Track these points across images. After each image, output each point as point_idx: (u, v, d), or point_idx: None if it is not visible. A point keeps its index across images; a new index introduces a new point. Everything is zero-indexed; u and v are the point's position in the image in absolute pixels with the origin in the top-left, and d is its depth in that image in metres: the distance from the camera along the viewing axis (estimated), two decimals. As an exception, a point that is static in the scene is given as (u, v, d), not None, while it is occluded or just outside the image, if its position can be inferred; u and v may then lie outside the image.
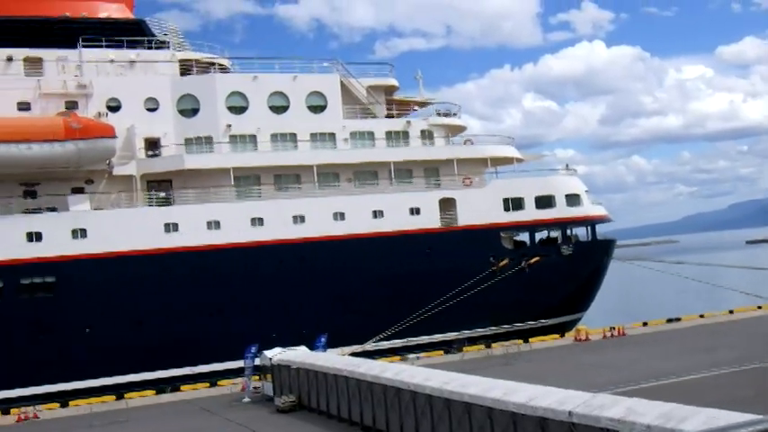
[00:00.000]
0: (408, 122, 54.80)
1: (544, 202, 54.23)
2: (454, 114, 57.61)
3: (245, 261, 46.13)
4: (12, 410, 38.91)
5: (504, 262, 51.38)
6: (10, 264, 42.01)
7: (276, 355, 37.36)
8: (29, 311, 42.11)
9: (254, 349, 39.58)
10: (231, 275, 45.66)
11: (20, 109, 46.06)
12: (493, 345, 47.63)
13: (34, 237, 42.83)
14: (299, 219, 48.10)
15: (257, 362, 39.22)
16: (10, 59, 47.09)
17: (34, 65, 47.65)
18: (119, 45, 49.37)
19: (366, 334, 46.00)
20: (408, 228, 50.43)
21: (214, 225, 46.22)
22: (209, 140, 49.31)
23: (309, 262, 47.49)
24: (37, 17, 49.03)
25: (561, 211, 54.60)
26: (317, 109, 52.37)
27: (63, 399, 41.17)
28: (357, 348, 44.78)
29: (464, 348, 47.30)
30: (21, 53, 47.37)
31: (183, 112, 49.42)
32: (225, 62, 53.52)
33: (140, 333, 43.81)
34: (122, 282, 43.66)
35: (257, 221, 47.17)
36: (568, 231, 55.23)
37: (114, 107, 47.94)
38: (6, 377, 41.31)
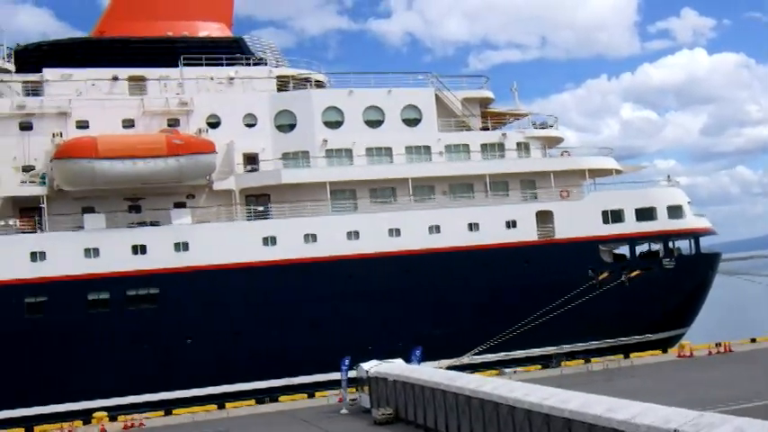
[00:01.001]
0: (504, 135, 54.38)
1: (645, 214, 52.94)
2: (551, 126, 56.93)
3: (341, 274, 46.43)
4: (119, 418, 40.13)
5: (604, 275, 50.33)
6: (117, 276, 43.39)
7: (373, 367, 37.45)
8: (134, 322, 43.37)
9: (347, 361, 39.77)
10: (327, 288, 46.02)
11: (125, 126, 47.66)
12: (593, 360, 46.72)
13: (139, 250, 44.14)
14: (395, 232, 48.19)
15: (353, 374, 39.39)
16: (115, 79, 48.84)
17: (138, 84, 49.31)
18: (218, 63, 50.63)
19: (462, 347, 45.68)
20: (504, 241, 49.91)
21: (311, 238, 46.73)
22: (305, 155, 49.98)
23: (405, 275, 47.46)
24: (140, 38, 50.81)
25: (663, 223, 53.19)
26: (413, 122, 52.50)
27: (166, 407, 42.24)
28: (453, 362, 44.53)
29: (563, 363, 46.52)
30: (125, 72, 49.10)
31: (280, 128, 50.26)
32: (321, 78, 54.27)
33: (240, 344, 44.56)
34: (222, 294, 44.53)
35: (353, 235, 47.45)
36: (670, 244, 53.75)
37: (214, 123, 49.12)
38: (113, 385, 42.60)
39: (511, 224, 50.36)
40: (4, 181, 45.28)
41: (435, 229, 48.93)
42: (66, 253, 42.99)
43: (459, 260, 48.59)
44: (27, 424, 40.64)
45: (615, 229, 52.19)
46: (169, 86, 49.62)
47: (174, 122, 48.44)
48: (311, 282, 45.87)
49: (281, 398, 43.53)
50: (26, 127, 46.29)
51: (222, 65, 50.84)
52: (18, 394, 41.60)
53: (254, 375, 44.51)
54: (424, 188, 51.14)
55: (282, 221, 47.11)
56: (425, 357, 42.35)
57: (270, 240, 46.12)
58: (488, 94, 56.51)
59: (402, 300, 47.29)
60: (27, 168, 45.88)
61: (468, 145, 53.21)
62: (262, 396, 43.87)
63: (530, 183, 53.37)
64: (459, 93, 55.14)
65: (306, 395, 43.72)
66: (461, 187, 52.10)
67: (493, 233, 49.70)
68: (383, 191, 50.65)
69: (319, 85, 53.69)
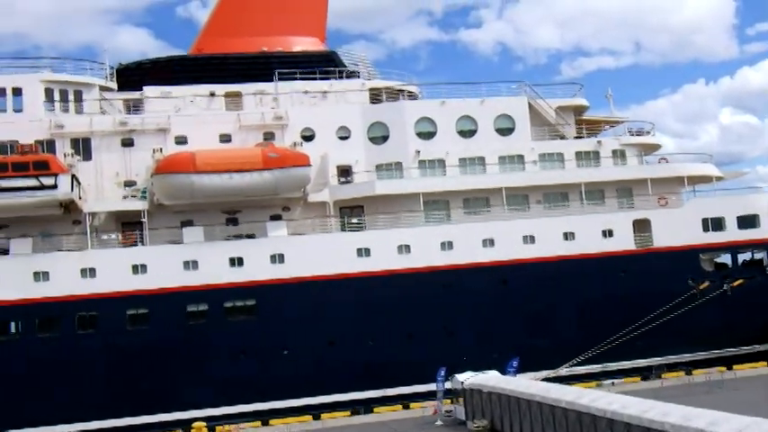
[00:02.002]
0: (599, 142, 53.50)
1: (747, 221, 51.20)
2: (647, 133, 55.75)
3: (436, 284, 46.35)
4: (217, 428, 40.92)
5: (705, 285, 48.81)
6: (215, 288, 44.35)
7: (468, 378, 37.25)
8: (231, 333, 44.22)
9: (443, 372, 39.64)
10: (422, 299, 46.00)
11: (222, 141, 48.80)
12: (694, 371, 45.35)
13: (236, 262, 45.03)
14: (489, 242, 47.87)
15: (448, 385, 39.21)
16: (212, 95, 50.22)
17: (234, 99, 50.53)
18: (312, 76, 51.39)
19: (559, 359, 44.97)
20: (601, 250, 49.00)
21: (404, 249, 46.83)
22: (398, 166, 50.22)
23: (500, 285, 47.10)
24: (237, 54, 52.11)
25: (767, 231, 51.27)
26: (506, 131, 52.16)
27: (263, 418, 42.87)
28: (549, 373, 43.87)
29: (663, 375, 45.31)
30: (222, 89, 50.42)
31: (373, 140, 50.65)
32: (413, 89, 54.53)
33: (335, 355, 44.90)
34: (317, 305, 44.99)
35: (447, 245, 47.33)
36: (775, 252, 51.74)
37: (308, 136, 49.84)
38: (211, 396, 43.50)
39: (607, 233, 49.41)
40: (107, 196, 47.01)
41: (530, 238, 48.40)
42: (165, 266, 44.20)
43: (554, 270, 47.90)
44: (128, 434, 41.85)
45: (716, 238, 50.61)
46: (264, 101, 50.67)
47: (269, 136, 49.35)
48: (405, 292, 45.89)
49: (376, 409, 43.65)
50: (128, 143, 47.96)
51: (316, 78, 51.60)
52: (118, 404, 42.87)
53: (350, 386, 44.75)
54: (518, 197, 50.66)
55: (376, 233, 47.36)
56: (521, 369, 41.88)
57: (364, 251, 46.41)
58: (583, 101, 55.77)
59: (497, 310, 46.91)
60: (129, 183, 47.56)
61: (562, 153, 52.53)
62: (357, 407, 44.10)
63: (626, 191, 52.25)
64: (552, 101, 54.56)
65: (401, 406, 43.73)
66: (556, 196, 51.41)
67: (589, 242, 48.86)
68: (477, 201, 50.38)
69: (412, 96, 53.94)
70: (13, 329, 43.38)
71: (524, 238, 48.35)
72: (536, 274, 47.66)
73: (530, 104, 53.19)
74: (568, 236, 48.86)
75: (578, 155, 52.68)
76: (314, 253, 45.73)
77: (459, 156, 50.90)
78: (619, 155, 53.41)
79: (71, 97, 48.59)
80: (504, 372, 40.37)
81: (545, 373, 43.84)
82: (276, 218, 48.01)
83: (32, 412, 42.03)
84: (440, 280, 46.43)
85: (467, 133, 51.65)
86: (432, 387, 40.84)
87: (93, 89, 49.28)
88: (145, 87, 49.80)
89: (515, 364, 41.43)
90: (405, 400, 44.58)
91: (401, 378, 45.01)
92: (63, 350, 42.71)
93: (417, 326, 45.84)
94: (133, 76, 51.34)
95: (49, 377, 42.39)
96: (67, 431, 42.23)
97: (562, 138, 53.84)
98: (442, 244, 47.32)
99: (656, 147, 55.87)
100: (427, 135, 50.97)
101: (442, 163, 50.74)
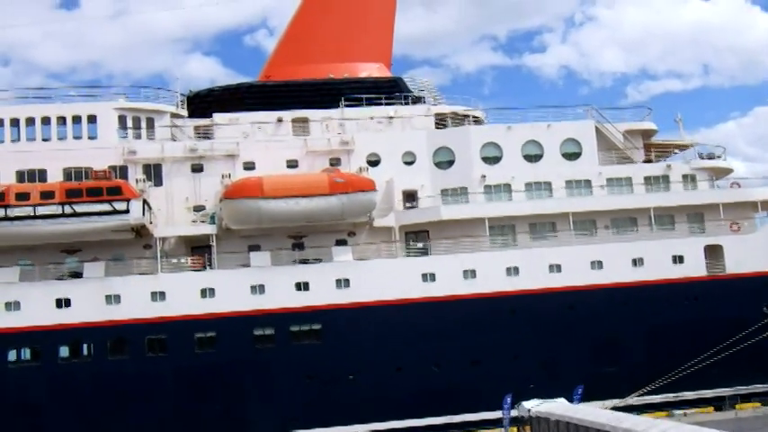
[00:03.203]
0: (669, 166, 52.66)
1: None
2: (718, 156, 54.64)
3: (502, 310, 45.94)
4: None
5: (780, 313, 47.40)
6: (281, 312, 44.70)
7: (535, 406, 36.80)
8: (297, 357, 44.44)
9: (509, 400, 39.22)
10: (487, 324, 45.62)
11: (289, 166, 49.43)
12: (770, 403, 44.04)
13: (302, 286, 45.32)
14: (556, 267, 47.33)
15: (514, 413, 38.78)
16: (280, 121, 50.86)
17: (301, 125, 51.12)
18: (378, 102, 51.77)
19: (627, 387, 44.04)
20: (671, 276, 48.07)
21: (470, 274, 46.56)
22: (464, 191, 50.10)
23: (567, 311, 46.46)
24: (304, 81, 52.83)
25: None
26: (572, 156, 51.73)
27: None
28: (617, 402, 43.00)
29: (737, 406, 44.08)
30: (289, 114, 51.10)
31: (438, 165, 50.70)
32: (479, 114, 54.48)
33: (399, 380, 44.75)
34: (383, 330, 44.96)
35: (513, 270, 46.96)
36: None
37: (374, 162, 50.14)
38: (276, 420, 43.73)
39: (677, 259, 48.47)
40: (177, 221, 47.89)
41: (597, 264, 47.71)
42: (233, 290, 44.70)
43: (623, 296, 47.11)
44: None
45: (792, 265, 49.15)
46: (331, 127, 51.15)
47: (335, 161, 49.81)
48: (471, 318, 45.58)
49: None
50: (197, 169, 48.85)
51: (382, 104, 51.96)
52: (186, 427, 43.42)
53: (415, 412, 44.55)
54: (586, 223, 50.02)
55: (441, 257, 47.20)
56: (588, 396, 41.18)
57: (429, 276, 46.28)
58: (651, 125, 55.03)
59: (564, 337, 46.25)
60: (198, 208, 48.39)
61: (630, 178, 51.81)
62: None
63: (697, 216, 51.22)
64: (620, 125, 53.96)
65: (464, 433, 43.39)
66: (624, 221, 50.68)
67: (658, 268, 47.96)
68: (543, 226, 49.90)
69: (477, 121, 53.92)
70: (85, 351, 44.27)
71: (592, 263, 47.68)
72: (604, 301, 46.90)
73: (597, 128, 52.69)
74: (637, 262, 48.05)
75: (647, 179, 51.88)
76: (379, 278, 45.76)
77: (525, 180, 50.60)
78: (689, 179, 52.46)
79: (143, 124, 49.80)
80: (570, 399, 39.81)
81: (613, 402, 43.03)
82: (342, 242, 48.24)
83: (102, 433, 42.76)
84: (505, 305, 46.01)
85: (533, 158, 51.35)
86: (497, 414, 40.42)
87: (165, 116, 50.43)
88: (214, 114, 50.73)
89: (580, 391, 40.82)
90: (470, 428, 44.18)
91: (466, 405, 44.63)
92: (133, 372, 43.42)
93: (483, 352, 45.43)
94: (203, 103, 52.45)
95: (119, 399, 43.16)
96: (137, 452, 42.89)
97: (630, 162, 53.13)
98: (508, 269, 46.96)
99: (727, 171, 54.73)
100: (493, 160, 50.82)
101: (507, 188, 50.50)
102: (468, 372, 45.19)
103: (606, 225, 50.49)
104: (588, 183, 51.27)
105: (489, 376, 44.64)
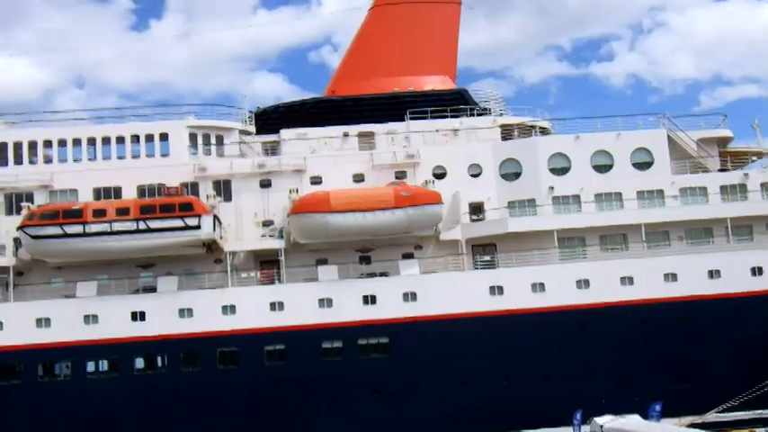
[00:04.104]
0: (746, 175, 51.06)
1: None
2: (799, 164, 52.79)
3: (572, 324, 45.16)
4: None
5: None
6: (349, 325, 44.85)
7: (608, 422, 36.12)
8: (365, 370, 44.50)
9: (579, 415, 38.50)
10: (557, 338, 44.90)
11: (355, 180, 49.75)
12: None
13: (369, 300, 45.42)
14: (627, 280, 46.33)
15: (585, 428, 38.06)
16: (346, 135, 51.24)
17: (367, 139, 51.40)
18: (443, 115, 51.66)
19: (706, 403, 42.73)
20: (750, 289, 46.51)
21: (539, 287, 45.95)
22: (531, 203, 49.55)
23: (640, 325, 45.37)
24: (369, 95, 53.18)
25: None
26: (644, 165, 50.66)
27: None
28: (696, 419, 41.82)
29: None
30: (355, 129, 51.49)
31: (505, 176, 50.26)
32: (545, 124, 53.89)
33: (467, 394, 44.37)
34: (450, 343, 44.65)
35: (583, 283, 46.13)
36: None
37: (440, 174, 49.99)
38: None
39: (756, 271, 46.91)
40: (246, 235, 48.58)
41: (671, 277, 46.51)
42: (301, 303, 45.15)
43: (699, 310, 45.74)
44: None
45: None
46: (396, 140, 51.29)
47: (401, 175, 49.85)
48: (539, 332, 44.92)
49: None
50: (265, 184, 49.55)
51: (447, 116, 51.83)
52: None
53: (483, 426, 44.04)
54: (658, 234, 48.84)
55: (509, 270, 46.71)
56: (665, 413, 40.10)
57: (496, 290, 45.85)
58: (727, 132, 53.46)
59: (638, 351, 45.13)
60: (266, 223, 49.05)
61: (705, 187, 50.43)
62: None
63: (777, 226, 49.56)
64: (693, 133, 52.57)
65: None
66: (699, 232, 49.33)
67: (736, 281, 46.45)
68: (614, 238, 48.97)
69: (544, 131, 53.36)
70: (159, 363, 45.31)
71: (665, 276, 46.51)
72: (679, 314, 45.65)
73: (669, 137, 51.47)
74: (713, 274, 46.66)
75: (723, 188, 50.40)
76: (446, 291, 45.54)
77: (594, 191, 49.74)
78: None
79: (213, 141, 50.84)
80: (645, 416, 38.87)
81: (690, 419, 41.85)
82: (408, 256, 48.23)
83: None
84: (575, 319, 45.20)
85: (602, 168, 50.45)
86: (567, 430, 39.69)
87: (234, 133, 51.35)
88: (281, 130, 51.41)
89: (658, 408, 39.83)
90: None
91: (535, 419, 43.95)
92: (205, 384, 44.27)
93: (552, 366, 44.69)
94: (270, 119, 53.31)
95: (193, 410, 43.98)
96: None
97: (705, 171, 51.75)
98: (578, 282, 46.15)
99: (809, 178, 52.81)
100: (561, 171, 50.13)
101: (576, 199, 49.72)
102: (536, 386, 44.52)
103: (680, 236, 49.25)
104: (661, 193, 50.12)
105: (558, 391, 43.95)
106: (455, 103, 52.80)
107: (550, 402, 43.27)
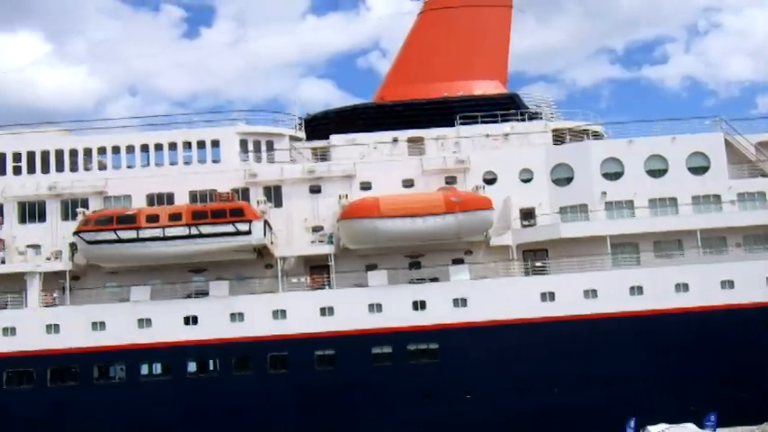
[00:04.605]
0: None
1: None
2: None
3: (625, 331, 44.48)
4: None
5: None
6: (398, 330, 44.79)
7: (662, 431, 35.43)
8: (414, 376, 44.37)
9: (632, 423, 37.88)
10: (609, 345, 44.26)
11: (405, 186, 49.63)
12: None
13: (419, 305, 45.25)
14: (682, 287, 45.47)
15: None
16: (396, 141, 51.15)
17: (417, 144, 51.27)
18: (493, 119, 51.31)
19: (764, 413, 41.79)
20: None
21: (591, 294, 45.34)
22: (583, 208, 48.94)
23: (695, 332, 44.45)
24: (419, 100, 53.08)
25: None
26: (700, 170, 49.69)
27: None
28: (754, 429, 40.92)
29: None
30: (405, 134, 51.37)
31: (557, 182, 49.74)
32: (598, 128, 53.24)
33: (517, 401, 43.94)
34: (500, 349, 44.31)
35: (636, 290, 45.41)
36: None
37: (490, 180, 49.66)
38: None
39: (818, 277, 45.70)
40: (297, 241, 48.81)
41: (728, 284, 45.51)
42: (351, 308, 45.22)
43: (756, 317, 44.71)
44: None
45: None
46: (446, 145, 51.03)
47: (451, 180, 49.63)
48: (592, 339, 44.31)
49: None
50: (315, 190, 49.75)
51: (497, 121, 51.47)
52: None
53: (533, 433, 43.64)
54: (715, 240, 47.87)
55: (561, 276, 46.20)
56: (722, 423, 39.23)
57: (548, 296, 45.35)
58: (786, 135, 52.20)
59: (693, 359, 44.25)
60: (316, 229, 49.20)
61: (764, 192, 49.34)
62: None
63: (841, 230, 48.22)
64: (751, 136, 51.35)
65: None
66: (758, 238, 48.25)
67: None
68: (668, 244, 48.07)
69: (596, 136, 52.69)
70: (211, 367, 45.77)
71: (722, 283, 45.53)
72: (737, 322, 44.63)
73: (726, 141, 50.42)
74: (773, 280, 45.62)
75: None
76: (497, 297, 45.22)
77: (648, 196, 48.94)
78: (830, 192, 49.46)
79: (263, 147, 51.27)
80: (701, 425, 38.08)
81: (748, 429, 40.95)
82: (459, 261, 47.95)
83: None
84: (629, 326, 44.50)
85: (657, 173, 49.61)
86: (621, 437, 39.09)
87: (284, 139, 51.68)
88: (331, 136, 51.57)
89: (713, 418, 38.96)
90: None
91: (587, 427, 43.29)
92: (256, 388, 44.55)
93: (603, 373, 44.08)
94: (319, 125, 53.53)
95: (243, 414, 44.35)
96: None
97: (764, 175, 50.53)
98: (632, 289, 45.42)
99: None
100: (614, 175, 49.39)
101: (630, 204, 48.95)
102: (588, 393, 43.87)
103: (738, 243, 48.22)
104: (717, 198, 49.12)
105: (610, 398, 43.27)
106: (506, 107, 52.38)
107: (602, 409, 42.59)
